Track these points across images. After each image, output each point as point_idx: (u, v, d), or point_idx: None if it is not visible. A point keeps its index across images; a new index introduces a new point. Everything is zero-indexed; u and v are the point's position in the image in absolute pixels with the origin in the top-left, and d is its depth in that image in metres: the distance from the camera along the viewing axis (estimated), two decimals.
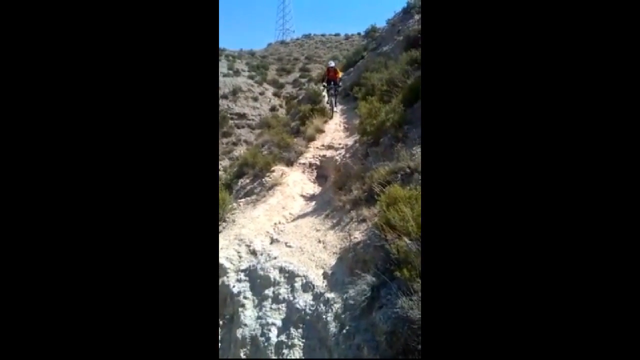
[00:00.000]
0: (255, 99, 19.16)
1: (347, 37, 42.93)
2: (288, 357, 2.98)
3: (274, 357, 3.08)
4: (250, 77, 20.95)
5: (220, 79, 19.68)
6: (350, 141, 6.55)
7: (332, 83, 9.01)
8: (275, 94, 20.28)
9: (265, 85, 20.83)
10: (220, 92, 18.40)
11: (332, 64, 9.52)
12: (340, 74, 9.67)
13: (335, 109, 9.19)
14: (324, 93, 9.90)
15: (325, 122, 8.70)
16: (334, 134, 7.59)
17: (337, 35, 45.60)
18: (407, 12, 11.09)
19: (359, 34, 38.06)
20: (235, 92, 18.68)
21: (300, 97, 13.24)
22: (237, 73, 21.16)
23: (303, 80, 20.94)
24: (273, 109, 18.63)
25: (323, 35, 46.69)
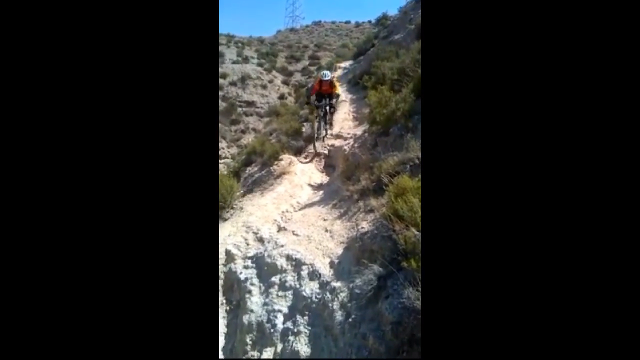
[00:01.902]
0: (264, 87, 19.08)
1: (357, 25, 42.45)
2: (293, 346, 3.02)
3: (279, 346, 3.12)
4: (259, 65, 20.84)
5: (229, 66, 19.62)
6: (359, 131, 6.51)
7: (326, 98, 6.66)
8: (284, 82, 20.18)
9: (274, 72, 20.71)
10: (229, 79, 18.36)
11: (328, 75, 6.83)
12: (339, 88, 7.13)
13: (324, 135, 6.82)
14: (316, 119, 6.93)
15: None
16: (343, 123, 7.54)
17: (347, 22, 45.13)
18: (419, 0, 10.88)
19: (370, 21, 37.65)
20: (244, 79, 18.62)
21: (309, 86, 13.16)
22: (246, 60, 21.06)
23: (312, 68, 20.77)
24: (282, 97, 18.56)
25: (333, 22, 46.22)
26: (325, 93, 6.73)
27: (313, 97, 6.86)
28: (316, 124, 6.75)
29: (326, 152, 6.60)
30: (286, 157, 6.30)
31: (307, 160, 6.44)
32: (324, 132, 6.78)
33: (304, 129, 7.18)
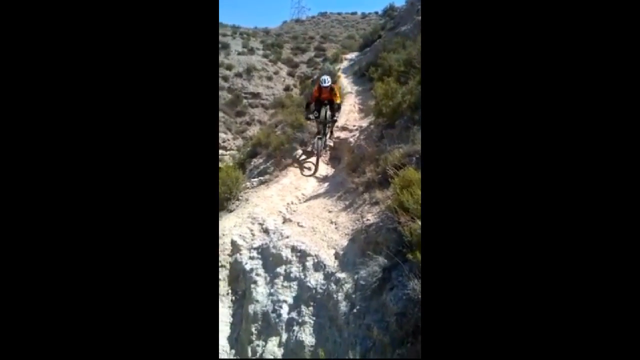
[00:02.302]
0: (270, 79, 18.98)
1: (364, 16, 42.04)
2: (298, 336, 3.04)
3: (284, 335, 3.15)
4: (265, 56, 20.70)
5: (235, 57, 19.53)
6: (364, 123, 6.48)
7: (327, 106, 5.88)
8: (290, 74, 20.04)
9: (280, 64, 20.56)
10: (235, 71, 18.28)
11: (328, 81, 5.96)
12: (340, 96, 6.32)
13: (323, 151, 6.07)
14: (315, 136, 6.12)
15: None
16: (349, 115, 7.51)
17: (354, 13, 44.72)
18: None
19: (376, 12, 37.28)
20: (249, 70, 18.51)
21: (315, 77, 13.09)
22: (251, 51, 20.93)
23: (318, 59, 20.62)
24: (287, 88, 18.46)
25: (339, 13, 45.81)
26: (325, 99, 5.94)
27: (312, 107, 6.03)
28: (316, 141, 5.97)
29: (331, 144, 6.57)
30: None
31: (310, 173, 5.88)
32: (319, 148, 5.95)
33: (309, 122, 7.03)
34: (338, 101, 6.07)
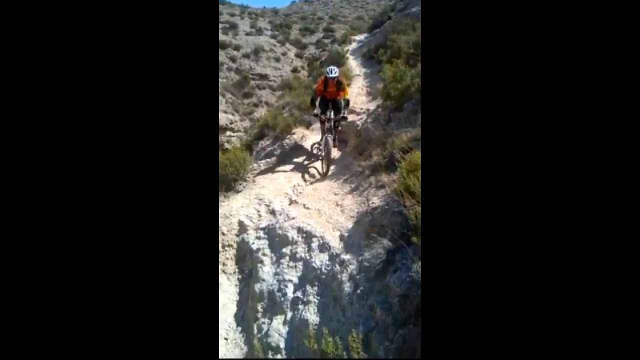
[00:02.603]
0: (277, 60, 18.77)
1: None
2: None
3: (288, 314, 3.22)
4: (273, 37, 20.44)
5: (243, 37, 19.32)
6: (372, 106, 6.43)
7: (331, 105, 5.30)
8: (298, 55, 19.80)
9: (288, 45, 20.30)
10: (242, 51, 18.10)
11: (334, 72, 5.29)
12: (349, 91, 5.60)
13: (332, 154, 5.10)
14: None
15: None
16: (356, 97, 7.44)
17: None
18: None
19: None
20: (257, 51, 18.30)
21: (323, 59, 12.92)
22: (259, 32, 20.68)
23: (327, 41, 20.32)
24: (295, 70, 18.26)
25: None
26: (330, 98, 5.31)
27: (317, 105, 5.34)
28: (323, 142, 5.22)
29: (340, 128, 6.55)
30: (298, 131, 6.28)
31: (314, 180, 5.10)
32: (329, 149, 5.03)
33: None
34: (347, 96, 5.38)
